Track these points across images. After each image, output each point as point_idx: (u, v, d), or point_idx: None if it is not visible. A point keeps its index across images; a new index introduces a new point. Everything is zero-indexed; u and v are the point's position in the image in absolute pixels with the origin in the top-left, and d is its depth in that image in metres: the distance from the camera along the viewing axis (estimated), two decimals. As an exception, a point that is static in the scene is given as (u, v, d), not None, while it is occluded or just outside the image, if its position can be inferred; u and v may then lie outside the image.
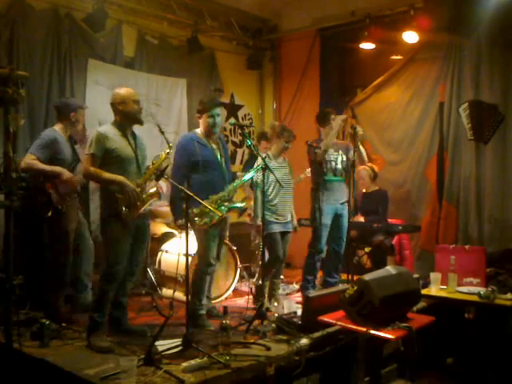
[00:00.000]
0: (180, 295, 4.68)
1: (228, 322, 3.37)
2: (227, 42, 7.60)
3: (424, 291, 4.59)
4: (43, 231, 4.28)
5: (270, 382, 3.23)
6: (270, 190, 4.82)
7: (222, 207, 4.13)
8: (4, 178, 2.62)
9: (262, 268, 4.76)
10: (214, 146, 4.34)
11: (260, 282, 4.77)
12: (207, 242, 4.19)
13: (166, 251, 5.35)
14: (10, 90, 2.58)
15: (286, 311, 4.17)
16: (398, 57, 6.61)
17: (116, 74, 6.12)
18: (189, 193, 3.60)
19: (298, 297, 5.21)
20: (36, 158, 4.12)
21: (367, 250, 5.59)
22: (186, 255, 3.62)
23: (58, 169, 4.18)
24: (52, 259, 4.25)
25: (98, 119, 5.61)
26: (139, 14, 6.35)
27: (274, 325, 3.89)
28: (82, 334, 3.75)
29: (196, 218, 4.06)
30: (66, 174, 4.18)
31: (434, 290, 4.74)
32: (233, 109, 7.71)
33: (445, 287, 4.73)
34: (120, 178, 3.64)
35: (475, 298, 4.41)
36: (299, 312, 3.96)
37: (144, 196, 3.74)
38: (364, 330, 3.33)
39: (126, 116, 3.77)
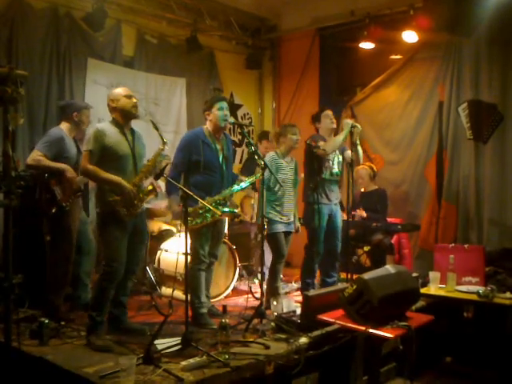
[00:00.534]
0: (179, 294, 4.68)
1: (227, 320, 3.36)
2: (226, 42, 7.60)
3: (423, 290, 4.60)
4: (43, 230, 4.29)
5: (269, 381, 3.23)
6: (276, 190, 4.77)
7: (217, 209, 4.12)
8: (3, 176, 2.62)
9: (270, 269, 4.77)
10: (219, 147, 4.31)
11: (267, 282, 4.78)
12: (199, 239, 4.19)
13: (165, 250, 5.35)
14: (9, 89, 2.58)
15: (285, 310, 4.17)
16: (398, 56, 6.61)
17: (115, 73, 6.13)
18: (187, 191, 3.59)
19: (297, 296, 5.21)
20: (43, 155, 4.17)
21: (366, 248, 5.59)
22: (185, 254, 3.62)
23: (63, 166, 4.20)
24: (54, 257, 4.25)
25: (98, 118, 5.59)
26: (138, 14, 6.36)
27: (273, 324, 3.89)
28: (81, 332, 3.75)
29: (188, 218, 4.04)
30: (70, 171, 4.20)
31: (433, 289, 4.75)
32: (232, 108, 7.69)
33: (444, 286, 4.74)
34: (117, 179, 3.62)
35: (474, 297, 4.42)
36: (298, 311, 3.96)
37: (141, 195, 3.74)
38: (363, 328, 3.33)
39: (120, 112, 3.77)
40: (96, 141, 3.64)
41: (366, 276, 3.44)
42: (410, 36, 6.09)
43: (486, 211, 5.85)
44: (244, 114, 7.98)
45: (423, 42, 6.19)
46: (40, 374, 3.26)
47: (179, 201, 3.77)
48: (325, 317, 3.59)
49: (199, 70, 7.21)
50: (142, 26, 6.51)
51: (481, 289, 4.45)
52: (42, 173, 4.17)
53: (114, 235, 3.66)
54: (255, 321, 3.96)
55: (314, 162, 4.92)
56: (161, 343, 3.41)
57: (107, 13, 5.72)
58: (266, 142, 6.15)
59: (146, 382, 2.89)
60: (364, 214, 5.65)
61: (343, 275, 5.13)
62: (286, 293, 5.42)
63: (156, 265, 5.37)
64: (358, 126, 4.86)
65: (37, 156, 4.16)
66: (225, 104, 4.30)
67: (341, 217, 5.10)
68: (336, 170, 5.06)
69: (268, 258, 4.84)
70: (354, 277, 4.16)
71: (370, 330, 3.30)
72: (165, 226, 5.79)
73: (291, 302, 4.41)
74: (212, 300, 4.79)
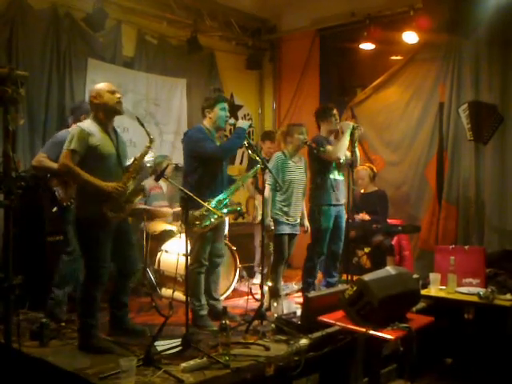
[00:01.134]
0: (179, 295, 4.68)
1: (227, 322, 3.36)
2: (227, 42, 7.59)
3: (423, 292, 4.59)
4: (44, 229, 4.31)
5: (269, 382, 3.22)
6: (284, 190, 4.70)
7: (221, 210, 4.12)
8: (3, 177, 2.62)
9: (271, 270, 4.76)
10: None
11: (270, 283, 4.77)
12: (201, 244, 4.17)
13: (166, 251, 5.34)
14: (9, 90, 2.58)
15: (285, 311, 4.16)
16: (398, 57, 6.62)
17: (115, 73, 6.12)
18: (192, 195, 3.59)
19: (298, 297, 5.20)
20: (46, 156, 4.23)
21: (367, 250, 5.59)
22: (186, 255, 3.62)
23: None
24: (54, 255, 4.24)
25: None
26: (139, 14, 6.35)
27: (273, 325, 3.89)
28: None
29: (197, 222, 4.03)
30: None
31: (434, 290, 4.74)
32: (232, 109, 7.68)
33: (444, 288, 4.73)
34: (98, 182, 3.46)
35: (475, 299, 4.41)
36: (298, 312, 3.96)
37: (128, 195, 3.60)
38: (363, 330, 3.33)
39: (103, 108, 3.60)
40: (80, 140, 3.47)
41: (367, 277, 3.44)
42: (410, 37, 6.09)
43: (487, 212, 5.85)
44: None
45: (423, 42, 6.18)
46: (40, 376, 3.26)
47: None
48: (325, 318, 3.59)
49: (199, 71, 7.21)
50: (142, 27, 6.50)
51: (481, 290, 4.44)
52: (45, 173, 4.22)
53: (99, 239, 3.50)
54: (255, 322, 3.96)
55: (316, 162, 4.92)
56: (161, 344, 3.41)
57: (107, 13, 5.71)
58: (269, 143, 6.10)
59: (147, 383, 2.90)
60: (367, 218, 5.64)
61: (344, 276, 5.12)
62: (287, 294, 5.41)
63: (156, 266, 5.36)
64: (362, 128, 4.87)
65: (39, 157, 4.26)
66: (227, 105, 4.29)
67: (345, 217, 5.10)
68: (341, 170, 5.05)
69: None
70: (355, 278, 4.16)
71: (371, 332, 3.29)
72: (165, 227, 5.77)
73: (291, 303, 4.41)
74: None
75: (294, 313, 4.01)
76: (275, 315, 4.03)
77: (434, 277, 4.79)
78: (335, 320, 3.52)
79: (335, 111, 5.04)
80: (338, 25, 6.96)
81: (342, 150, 4.82)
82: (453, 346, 4.49)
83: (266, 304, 4.36)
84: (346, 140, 4.82)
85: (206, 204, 3.83)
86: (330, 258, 5.07)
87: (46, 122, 5.48)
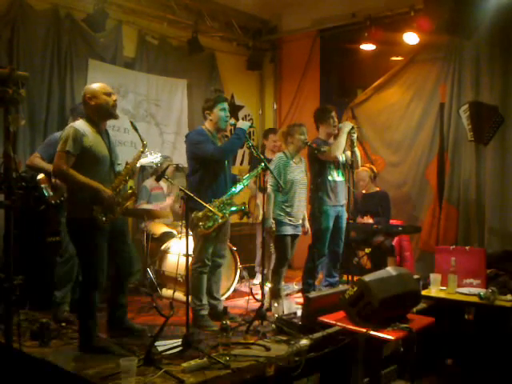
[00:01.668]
0: (180, 295, 4.68)
1: (228, 322, 3.36)
2: (227, 43, 7.60)
3: (424, 292, 4.59)
4: (44, 230, 4.32)
5: (269, 383, 3.23)
6: (287, 190, 4.69)
7: (224, 210, 4.12)
8: (4, 177, 2.62)
9: (273, 271, 4.75)
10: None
11: (271, 285, 4.77)
12: (204, 244, 4.18)
13: (166, 251, 5.34)
14: (10, 90, 2.58)
15: (286, 312, 4.16)
16: (399, 58, 6.62)
17: (116, 74, 6.13)
18: (193, 196, 3.59)
19: (298, 297, 5.20)
20: (39, 156, 4.27)
21: (367, 250, 5.58)
22: (186, 255, 3.62)
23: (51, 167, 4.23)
24: (46, 255, 4.27)
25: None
26: (139, 15, 6.36)
27: (273, 325, 3.89)
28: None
29: (200, 223, 4.03)
30: None
31: (434, 291, 4.74)
32: (233, 109, 7.68)
33: (445, 288, 4.72)
34: (97, 184, 3.40)
35: (475, 299, 4.41)
36: (299, 313, 3.96)
37: (120, 199, 3.53)
38: (364, 330, 3.33)
39: (98, 110, 3.52)
40: (75, 142, 3.37)
41: (367, 278, 3.43)
42: (410, 37, 6.08)
43: (487, 213, 5.85)
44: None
45: (424, 43, 6.18)
46: (41, 376, 3.26)
47: None
48: (326, 319, 3.59)
49: (200, 71, 7.21)
50: (142, 27, 6.51)
51: (482, 291, 4.44)
52: (37, 173, 4.27)
53: (93, 241, 3.43)
54: (256, 322, 3.96)
55: (316, 163, 4.92)
56: (162, 345, 3.41)
57: (108, 14, 5.72)
58: (272, 136, 6.05)
59: (147, 383, 2.89)
60: (370, 221, 5.64)
61: (344, 277, 5.12)
62: (287, 294, 5.41)
63: (157, 266, 5.37)
64: (356, 131, 4.88)
65: (33, 157, 4.32)
66: (227, 105, 4.29)
67: (346, 218, 5.10)
68: (341, 170, 5.05)
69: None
70: (355, 279, 4.16)
71: (371, 332, 3.29)
72: (166, 229, 5.78)
73: (292, 303, 4.41)
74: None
75: (295, 313, 4.01)
76: (276, 315, 4.03)
77: (434, 277, 4.79)
78: (336, 320, 3.52)
79: (334, 113, 5.03)
80: (338, 26, 6.96)
81: (339, 149, 4.82)
82: (453, 346, 4.49)
83: (266, 304, 4.36)
84: (343, 139, 4.82)
85: (207, 205, 3.83)
86: (331, 258, 5.07)
87: (47, 123, 5.49)
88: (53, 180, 4.23)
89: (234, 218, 4.99)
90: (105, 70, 6.00)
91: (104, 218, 3.41)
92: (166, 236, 5.65)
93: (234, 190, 4.22)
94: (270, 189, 4.62)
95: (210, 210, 3.92)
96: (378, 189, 5.90)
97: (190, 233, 4.01)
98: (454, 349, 4.51)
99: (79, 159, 3.41)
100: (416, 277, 4.49)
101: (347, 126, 4.88)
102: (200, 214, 4.00)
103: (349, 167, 4.81)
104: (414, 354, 3.37)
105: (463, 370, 4.40)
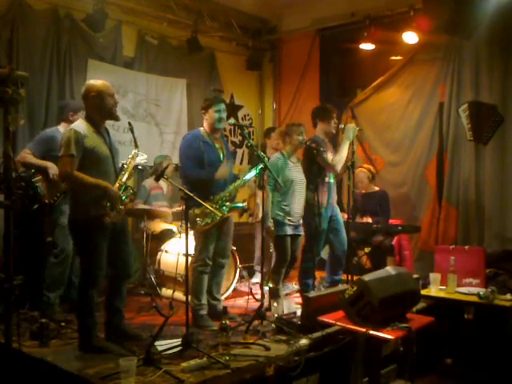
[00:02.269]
0: (180, 295, 4.68)
1: (228, 322, 3.36)
2: (227, 43, 7.61)
3: (423, 292, 4.59)
4: (43, 229, 4.31)
5: (269, 382, 3.22)
6: (285, 190, 4.67)
7: (224, 207, 4.13)
8: (4, 177, 2.62)
9: (273, 271, 4.75)
10: (217, 146, 4.32)
11: (271, 285, 4.76)
12: (205, 242, 4.17)
13: (166, 251, 5.34)
14: (9, 90, 2.57)
15: (285, 311, 4.16)
16: (398, 57, 6.62)
17: (116, 74, 6.13)
18: (190, 194, 3.59)
19: (297, 297, 5.20)
20: (30, 153, 4.28)
21: (367, 250, 5.58)
22: (186, 255, 3.62)
23: (46, 163, 4.25)
24: (41, 255, 4.26)
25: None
26: (139, 15, 6.36)
27: (273, 325, 3.89)
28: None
29: (198, 219, 4.04)
30: (53, 169, 4.20)
31: (434, 290, 4.74)
32: (233, 109, 7.71)
33: (444, 288, 4.73)
34: (104, 183, 3.40)
35: (475, 299, 4.41)
36: (299, 312, 3.96)
37: (123, 198, 3.53)
38: (363, 330, 3.33)
39: (101, 111, 3.50)
40: (77, 144, 3.34)
41: (367, 277, 3.43)
42: (410, 37, 6.09)
43: (487, 212, 5.85)
44: (244, 115, 7.98)
45: (423, 43, 6.19)
46: (40, 376, 3.25)
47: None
48: (325, 318, 3.59)
49: (200, 71, 7.22)
50: (142, 27, 6.51)
51: (481, 290, 4.44)
52: (29, 170, 4.25)
53: (95, 242, 3.43)
54: (256, 322, 3.96)
55: (315, 164, 4.89)
56: (161, 344, 3.41)
57: (107, 14, 5.72)
58: (274, 134, 6.07)
59: (147, 383, 2.89)
60: (370, 220, 5.64)
61: (344, 276, 5.12)
62: (287, 294, 5.41)
63: (156, 266, 5.36)
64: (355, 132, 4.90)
65: (24, 153, 4.30)
66: (222, 106, 4.29)
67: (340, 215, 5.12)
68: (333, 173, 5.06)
69: None
70: (355, 278, 4.16)
71: (371, 332, 3.29)
72: (165, 227, 5.78)
73: (292, 303, 4.41)
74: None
75: (294, 313, 4.01)
76: (275, 315, 4.03)
77: (434, 277, 4.80)
78: (335, 320, 3.52)
79: (335, 114, 5.07)
80: (338, 25, 6.97)
81: (341, 163, 4.87)
82: (453, 346, 4.49)
83: (266, 304, 4.35)
84: (345, 152, 4.85)
85: (204, 203, 3.83)
86: (339, 257, 5.06)
87: (46, 123, 5.48)
88: (51, 176, 4.21)
89: (234, 218, 4.98)
90: (104, 70, 6.00)
91: (113, 214, 3.43)
92: (166, 233, 5.64)
93: (233, 186, 4.22)
94: (268, 189, 4.62)
95: (208, 208, 3.92)
96: (377, 188, 5.91)
97: (190, 232, 4.01)
98: (453, 348, 4.52)
99: (82, 160, 3.39)
100: (415, 276, 4.49)
101: (352, 130, 4.86)
102: (197, 210, 4.01)
103: (349, 167, 4.81)
104: (413, 354, 3.36)
105: (463, 369, 4.41)
